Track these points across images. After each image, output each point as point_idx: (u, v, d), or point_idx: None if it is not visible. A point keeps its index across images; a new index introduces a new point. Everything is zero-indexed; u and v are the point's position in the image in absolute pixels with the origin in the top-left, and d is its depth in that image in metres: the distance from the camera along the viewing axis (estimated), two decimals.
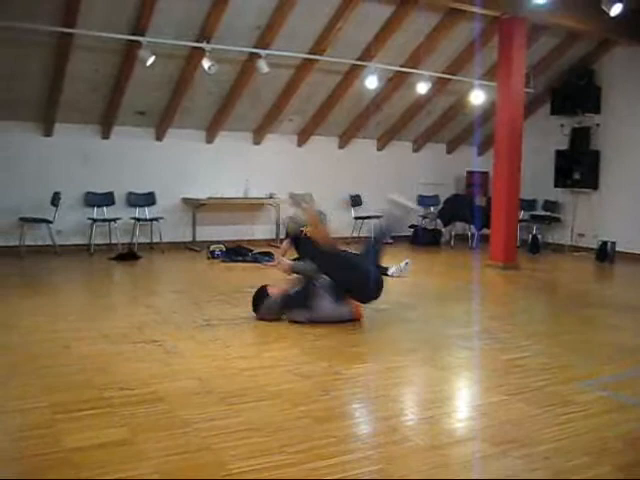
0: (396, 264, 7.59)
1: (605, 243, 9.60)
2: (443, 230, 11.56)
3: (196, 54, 8.20)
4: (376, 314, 5.58)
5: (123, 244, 9.17)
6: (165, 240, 9.47)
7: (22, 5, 6.98)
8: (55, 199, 8.58)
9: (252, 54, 8.47)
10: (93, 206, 9.13)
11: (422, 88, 9.62)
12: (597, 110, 10.32)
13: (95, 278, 7.63)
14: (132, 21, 7.59)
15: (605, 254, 9.54)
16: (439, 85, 10.08)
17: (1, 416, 3.14)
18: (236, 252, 8.90)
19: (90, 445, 2.79)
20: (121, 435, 2.90)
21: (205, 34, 7.98)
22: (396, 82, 9.90)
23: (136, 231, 9.32)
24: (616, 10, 7.39)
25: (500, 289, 7.56)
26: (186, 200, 9.75)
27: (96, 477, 2.50)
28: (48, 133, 8.84)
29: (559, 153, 10.75)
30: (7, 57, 7.57)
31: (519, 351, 4.54)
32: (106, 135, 9.22)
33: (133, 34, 7.68)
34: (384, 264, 7.59)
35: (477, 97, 9.97)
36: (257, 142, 10.35)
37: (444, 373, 4.07)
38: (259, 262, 8.43)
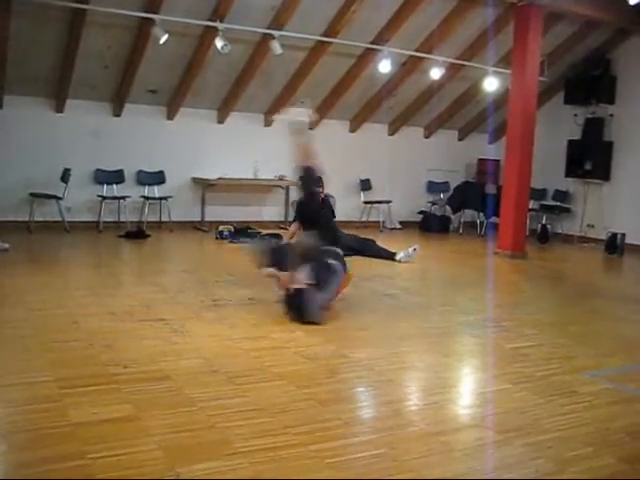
0: (404, 249, 7.62)
1: (615, 235, 9.53)
2: (452, 217, 11.53)
3: (209, 33, 8.14)
4: (383, 299, 5.59)
5: (132, 222, 9.17)
6: (174, 219, 9.48)
7: None
8: (65, 175, 8.58)
9: (265, 35, 8.40)
10: (103, 183, 9.13)
11: (435, 74, 9.55)
12: (611, 100, 10.21)
13: (103, 255, 7.66)
14: None
15: (614, 246, 9.48)
16: (452, 71, 9.99)
17: (8, 388, 3.16)
18: (244, 233, 8.89)
19: (95, 420, 2.81)
20: (126, 411, 2.92)
21: (219, 13, 7.92)
22: (409, 67, 9.81)
23: (145, 209, 9.32)
24: None
25: (507, 278, 7.54)
26: (196, 180, 9.75)
27: (101, 452, 2.52)
28: (59, 109, 8.83)
29: (571, 143, 10.66)
30: (20, 32, 7.53)
31: (525, 340, 4.54)
32: (117, 112, 9.21)
33: (146, 12, 7.64)
34: (392, 249, 7.63)
35: (491, 84, 9.88)
36: (268, 124, 10.32)
37: (449, 359, 4.08)
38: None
